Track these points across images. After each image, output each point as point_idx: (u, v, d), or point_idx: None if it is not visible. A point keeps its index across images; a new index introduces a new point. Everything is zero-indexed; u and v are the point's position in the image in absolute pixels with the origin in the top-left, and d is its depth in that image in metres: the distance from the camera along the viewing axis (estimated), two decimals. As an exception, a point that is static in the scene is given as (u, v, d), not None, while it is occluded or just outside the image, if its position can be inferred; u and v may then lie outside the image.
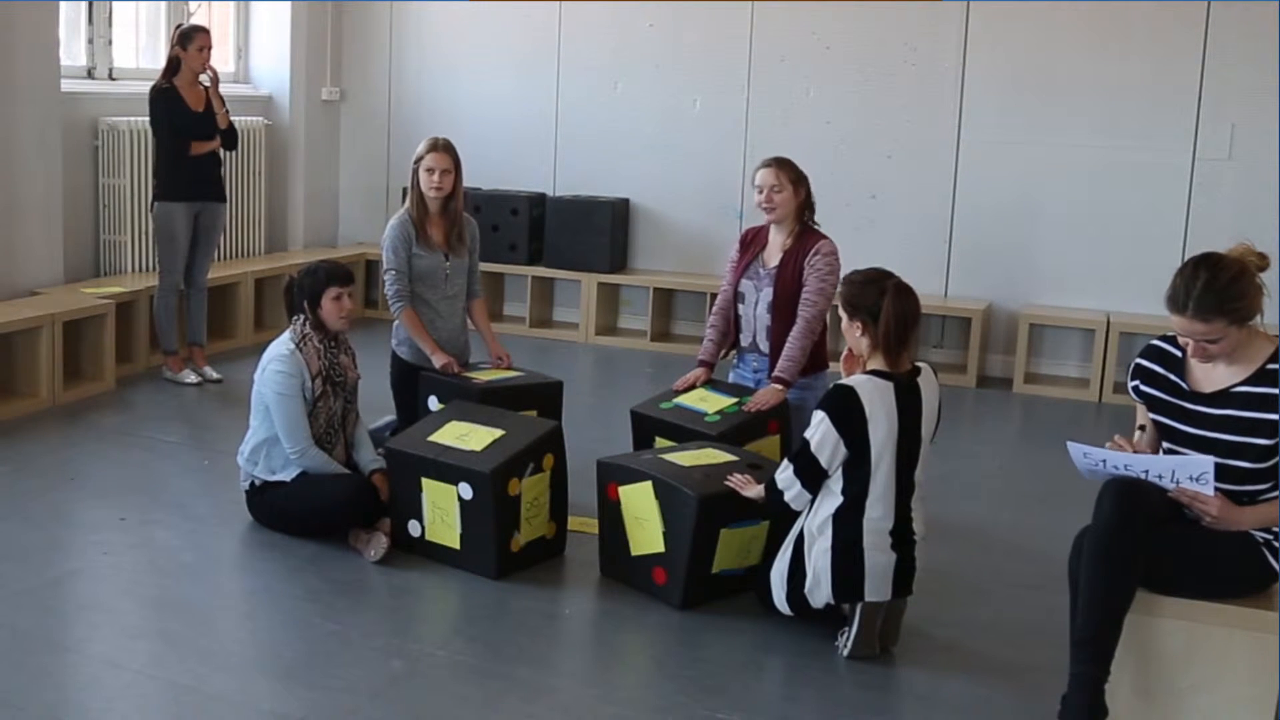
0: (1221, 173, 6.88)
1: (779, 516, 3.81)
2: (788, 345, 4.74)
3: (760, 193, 4.84)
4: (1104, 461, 3.13)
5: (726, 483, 3.88)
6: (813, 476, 3.60)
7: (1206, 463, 3.02)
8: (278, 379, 4.30)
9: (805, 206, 4.87)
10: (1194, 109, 6.88)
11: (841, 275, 4.72)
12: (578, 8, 8.08)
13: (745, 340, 4.96)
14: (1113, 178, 7.07)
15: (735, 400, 4.70)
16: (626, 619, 3.90)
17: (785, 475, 3.66)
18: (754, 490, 3.80)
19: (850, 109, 7.52)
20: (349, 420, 4.54)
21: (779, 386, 4.69)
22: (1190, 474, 3.04)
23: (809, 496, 3.64)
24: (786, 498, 3.66)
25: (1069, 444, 3.18)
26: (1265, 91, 6.70)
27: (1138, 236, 7.03)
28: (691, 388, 4.87)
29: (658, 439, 4.63)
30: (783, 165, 4.85)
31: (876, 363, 3.61)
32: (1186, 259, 3.11)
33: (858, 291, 3.62)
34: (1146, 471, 3.08)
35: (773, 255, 4.88)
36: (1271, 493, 3.09)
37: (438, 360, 4.98)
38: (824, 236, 4.84)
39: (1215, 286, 2.98)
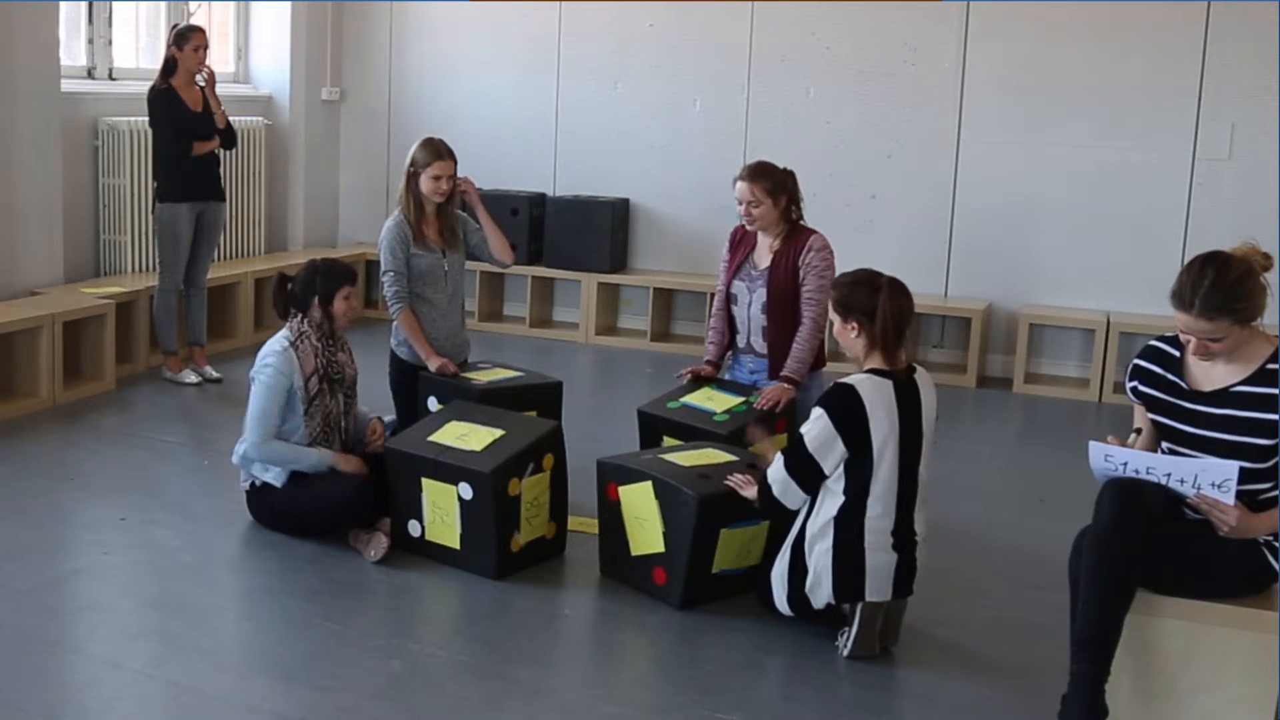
0: (1221, 173, 6.88)
1: (779, 517, 3.81)
2: (795, 345, 4.74)
3: (740, 205, 4.82)
4: (1125, 464, 3.11)
5: (727, 482, 3.88)
6: (806, 474, 3.59)
7: (1230, 469, 3.00)
8: (266, 372, 4.32)
9: (789, 209, 4.84)
10: (1194, 109, 6.87)
11: (835, 269, 4.75)
12: (578, 8, 8.08)
13: (741, 341, 4.97)
14: (1113, 178, 7.07)
15: (742, 399, 4.71)
16: (626, 619, 3.90)
17: (776, 470, 3.65)
18: (753, 491, 3.80)
19: (850, 109, 7.52)
20: (350, 420, 4.54)
21: (787, 385, 4.69)
22: (1213, 480, 3.02)
23: (801, 494, 3.63)
24: (775, 493, 3.65)
25: (1090, 444, 3.16)
26: (1265, 91, 6.70)
27: (1138, 236, 7.03)
28: (696, 378, 4.89)
29: (665, 439, 4.63)
30: (757, 178, 4.77)
31: (874, 362, 3.62)
32: (1194, 256, 3.09)
33: (850, 293, 3.63)
34: (1169, 475, 3.06)
35: (763, 256, 4.87)
36: (1273, 492, 3.09)
37: (433, 363, 4.98)
38: (813, 232, 4.83)
39: (1222, 285, 2.98)
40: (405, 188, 5.08)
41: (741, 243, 4.97)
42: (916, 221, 7.44)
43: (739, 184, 4.81)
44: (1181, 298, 3.03)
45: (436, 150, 5.06)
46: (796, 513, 3.70)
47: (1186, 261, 3.12)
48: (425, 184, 5.03)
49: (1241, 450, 3.06)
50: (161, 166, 6.33)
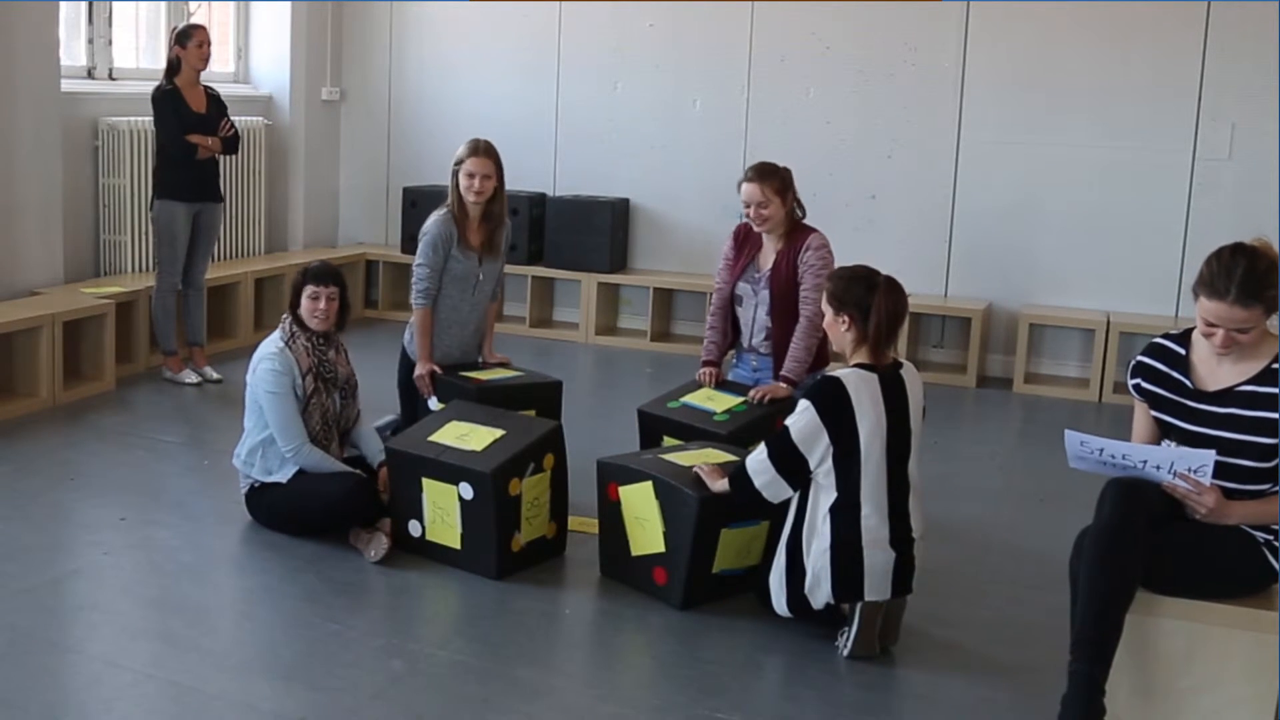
0: (1221, 173, 6.88)
1: (761, 511, 3.80)
2: (793, 345, 4.74)
3: (748, 208, 4.78)
4: (1101, 450, 3.12)
5: (695, 471, 3.88)
6: (790, 465, 3.59)
7: (1207, 456, 3.02)
8: (269, 377, 4.31)
9: (793, 207, 4.83)
10: (1194, 109, 6.88)
11: (833, 267, 4.74)
12: (578, 8, 8.08)
13: (744, 342, 4.97)
14: (1113, 178, 7.07)
15: (742, 400, 4.72)
16: (626, 619, 3.90)
17: (758, 460, 3.65)
18: (720, 484, 3.79)
19: (850, 109, 7.52)
20: (346, 418, 4.54)
21: (784, 385, 4.70)
22: (1190, 465, 3.04)
23: (786, 488, 3.63)
24: (757, 484, 3.64)
25: (1066, 432, 3.18)
26: (1265, 91, 6.70)
27: (1138, 236, 7.03)
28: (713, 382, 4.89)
29: (665, 439, 4.64)
30: (765, 178, 4.74)
31: (861, 357, 3.65)
32: (1218, 248, 3.04)
33: (847, 287, 3.65)
34: (1145, 461, 3.08)
35: (766, 258, 4.86)
36: (1273, 492, 3.09)
37: (420, 367, 4.96)
38: (813, 230, 4.82)
39: (1256, 273, 2.95)
40: (452, 185, 5.01)
41: (746, 242, 4.94)
42: (916, 221, 7.44)
43: (746, 186, 4.75)
44: (1214, 287, 2.97)
45: (473, 147, 4.97)
46: (773, 505, 3.70)
47: (1207, 255, 3.06)
48: (462, 183, 4.95)
49: (1244, 449, 3.06)
50: (163, 165, 6.33)
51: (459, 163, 4.97)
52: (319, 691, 3.32)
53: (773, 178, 4.75)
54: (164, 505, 4.72)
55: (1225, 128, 6.84)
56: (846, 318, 3.64)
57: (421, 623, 3.94)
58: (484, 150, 4.96)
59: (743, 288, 4.92)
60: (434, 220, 5.00)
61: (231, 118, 6.47)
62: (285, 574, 4.11)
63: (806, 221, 4.89)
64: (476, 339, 5.22)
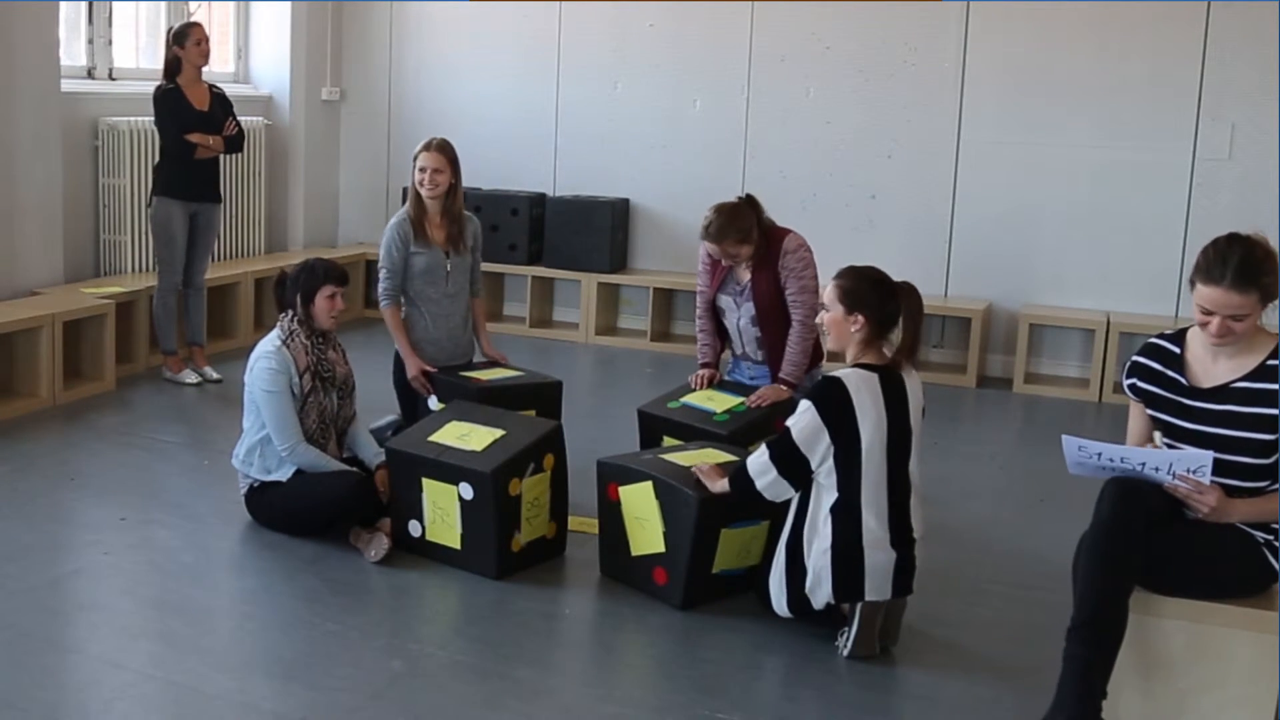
0: (1221, 173, 6.88)
1: (762, 509, 3.80)
2: (789, 348, 4.74)
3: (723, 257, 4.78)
4: (1099, 454, 3.12)
5: (694, 471, 3.88)
6: (792, 466, 3.59)
7: (1205, 457, 3.02)
8: (266, 375, 4.32)
9: (759, 229, 4.77)
10: (1194, 109, 6.88)
11: (814, 264, 4.73)
12: (578, 8, 8.08)
13: (736, 349, 4.99)
14: (1113, 178, 7.07)
15: (742, 400, 4.72)
16: (626, 619, 3.90)
17: (759, 460, 3.65)
18: (720, 485, 3.80)
19: (850, 109, 7.52)
20: (343, 417, 4.54)
21: (783, 388, 4.70)
22: (1189, 466, 3.04)
23: (788, 488, 3.63)
24: (759, 485, 3.65)
25: (1064, 438, 3.18)
26: (1265, 91, 6.71)
27: (1138, 236, 7.03)
28: (706, 385, 4.88)
29: (665, 439, 4.64)
30: (723, 237, 4.68)
31: (867, 356, 3.65)
32: (1214, 237, 3.06)
33: (865, 288, 3.64)
34: (1144, 464, 3.08)
35: (743, 271, 4.84)
36: (1273, 489, 3.09)
37: (410, 366, 4.99)
38: (786, 233, 4.80)
39: (1253, 259, 2.97)
40: (411, 183, 5.11)
41: None
42: (916, 221, 7.44)
43: (710, 245, 4.73)
44: (1210, 273, 2.99)
45: (426, 143, 5.09)
46: (774, 505, 3.70)
47: (1204, 245, 3.08)
48: (415, 175, 5.06)
49: (1242, 446, 3.06)
50: (163, 163, 6.33)
51: (414, 159, 5.07)
52: (319, 691, 3.32)
53: (730, 234, 4.68)
54: (164, 505, 4.72)
55: (1225, 128, 6.84)
56: (860, 318, 3.63)
57: (421, 623, 3.94)
58: (436, 146, 5.08)
59: (724, 300, 4.91)
60: (389, 224, 5.13)
61: (237, 117, 6.48)
62: (285, 574, 4.11)
63: (779, 222, 4.88)
64: (466, 334, 5.24)
